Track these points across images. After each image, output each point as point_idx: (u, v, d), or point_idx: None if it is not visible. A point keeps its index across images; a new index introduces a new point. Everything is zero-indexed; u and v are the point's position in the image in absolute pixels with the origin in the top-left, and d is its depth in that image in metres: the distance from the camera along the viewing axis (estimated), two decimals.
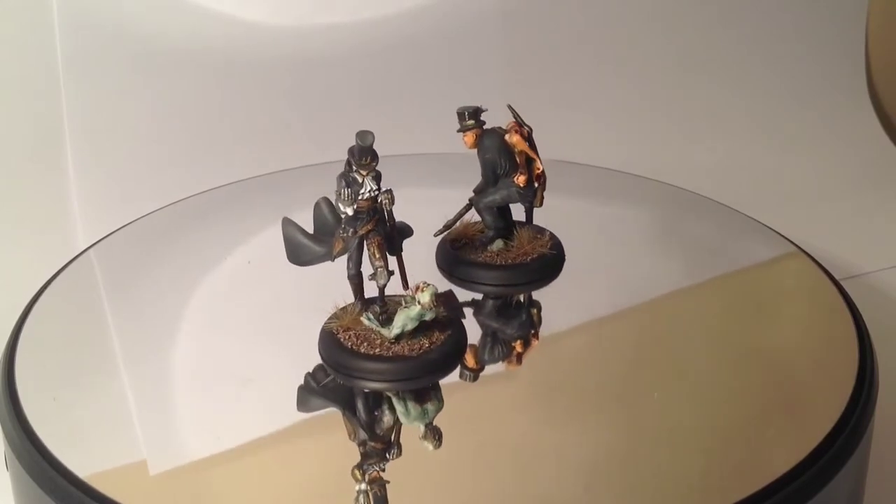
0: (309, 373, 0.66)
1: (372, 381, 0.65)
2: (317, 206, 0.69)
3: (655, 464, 0.60)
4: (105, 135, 1.17)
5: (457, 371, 0.66)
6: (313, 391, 0.65)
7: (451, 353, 0.66)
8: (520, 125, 0.75)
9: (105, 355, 0.71)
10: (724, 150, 1.36)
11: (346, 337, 0.66)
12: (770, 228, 0.89)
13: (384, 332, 0.65)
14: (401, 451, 0.59)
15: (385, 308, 0.67)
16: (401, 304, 0.66)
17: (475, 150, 0.75)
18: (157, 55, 1.19)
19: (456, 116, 0.75)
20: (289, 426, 0.63)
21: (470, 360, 0.68)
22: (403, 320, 0.64)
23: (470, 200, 0.77)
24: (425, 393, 0.64)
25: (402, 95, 1.27)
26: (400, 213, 0.66)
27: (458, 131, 0.75)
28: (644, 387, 0.67)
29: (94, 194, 1.15)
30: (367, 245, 0.66)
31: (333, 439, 0.62)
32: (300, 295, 0.78)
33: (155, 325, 0.75)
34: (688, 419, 0.64)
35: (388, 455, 0.59)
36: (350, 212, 0.64)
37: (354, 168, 0.65)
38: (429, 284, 0.64)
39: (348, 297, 0.68)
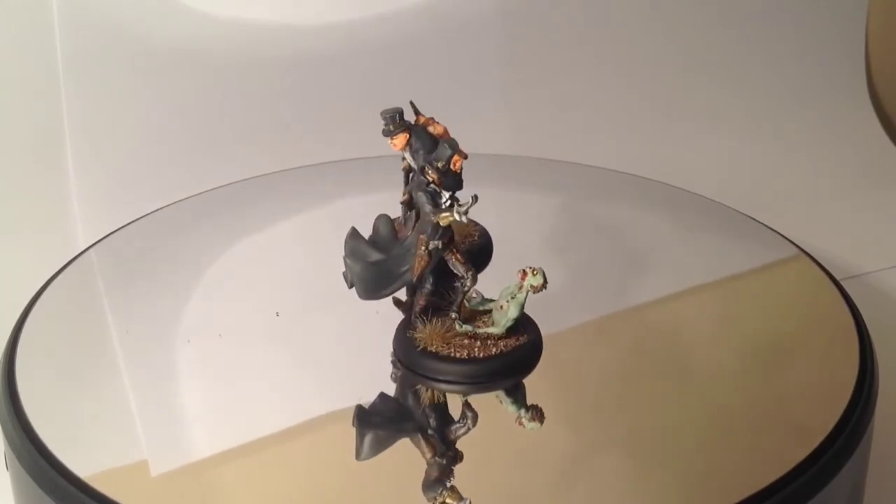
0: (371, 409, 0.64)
1: (479, 382, 0.65)
2: (378, 225, 0.67)
3: (656, 464, 0.60)
4: (105, 135, 1.17)
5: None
6: (373, 422, 0.63)
7: (537, 344, 0.67)
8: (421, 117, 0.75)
9: (105, 355, 0.71)
10: (724, 151, 1.36)
11: (446, 348, 0.66)
12: (770, 228, 0.89)
13: (493, 329, 0.65)
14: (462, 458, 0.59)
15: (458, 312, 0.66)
16: (474, 302, 0.66)
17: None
18: (157, 55, 1.19)
19: (391, 120, 0.72)
20: (289, 426, 0.63)
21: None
22: (515, 309, 0.64)
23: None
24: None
25: (402, 95, 1.27)
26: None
27: (390, 135, 0.74)
28: (644, 387, 0.67)
29: (94, 194, 1.15)
30: (448, 255, 0.65)
31: (334, 439, 0.62)
32: (300, 294, 0.79)
33: (155, 324, 0.75)
34: (688, 419, 0.64)
35: (454, 465, 0.59)
36: (445, 223, 0.63)
37: (431, 179, 0.64)
38: (537, 268, 0.64)
39: (347, 296, 0.68)
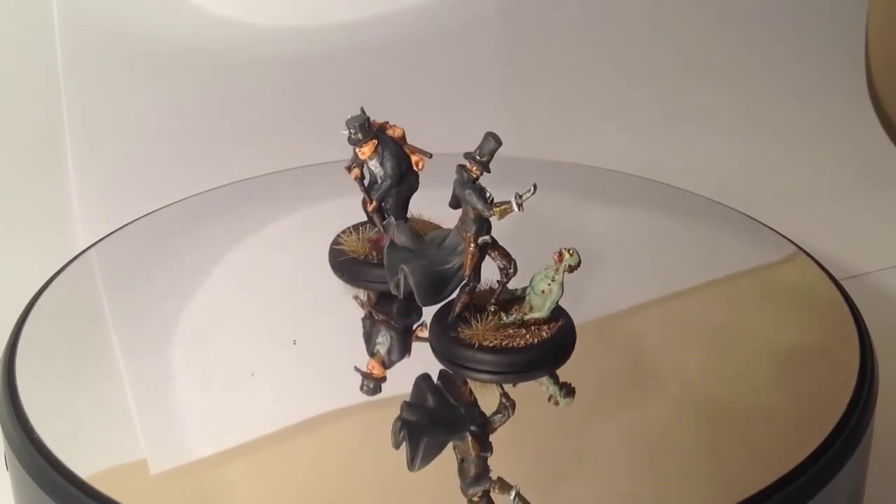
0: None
1: (530, 369, 0.66)
2: (399, 233, 0.67)
3: (656, 464, 0.60)
4: (105, 135, 1.17)
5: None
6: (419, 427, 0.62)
7: (571, 325, 0.69)
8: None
9: (105, 355, 0.71)
10: (725, 151, 1.36)
11: (502, 340, 0.66)
12: (770, 228, 0.89)
13: (537, 314, 0.67)
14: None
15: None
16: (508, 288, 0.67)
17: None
18: (157, 55, 1.19)
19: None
20: (289, 426, 0.63)
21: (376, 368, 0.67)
22: (559, 290, 0.66)
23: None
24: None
25: (402, 95, 1.27)
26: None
27: (358, 143, 0.74)
28: (643, 387, 0.67)
29: (94, 194, 1.15)
30: (491, 249, 0.66)
31: (334, 439, 0.62)
32: (300, 294, 0.79)
33: (154, 324, 0.75)
34: (687, 419, 0.64)
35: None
36: (504, 217, 0.63)
37: (476, 173, 0.64)
38: (572, 248, 0.65)
39: (346, 296, 0.68)
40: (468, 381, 0.66)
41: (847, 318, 0.73)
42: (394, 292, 0.67)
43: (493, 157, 0.64)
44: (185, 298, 0.78)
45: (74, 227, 1.13)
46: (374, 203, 0.77)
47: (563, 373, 0.67)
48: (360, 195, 0.77)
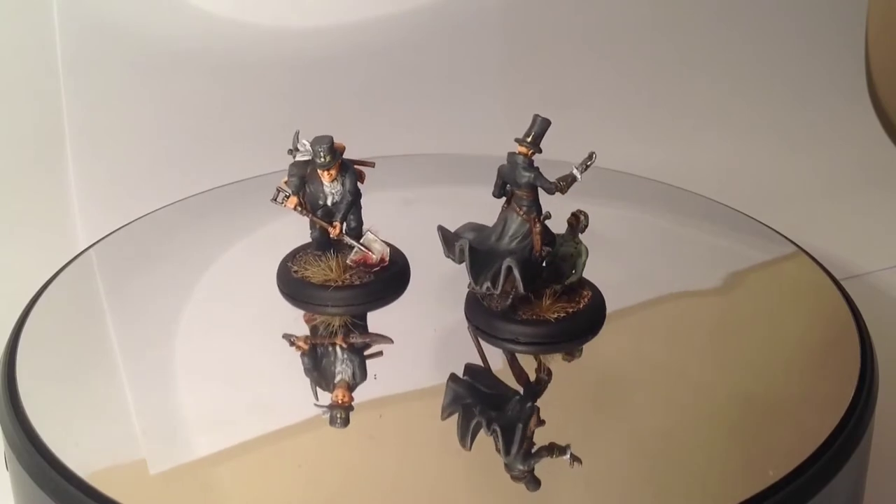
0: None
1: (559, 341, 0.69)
2: (466, 241, 0.67)
3: (656, 464, 0.60)
4: (105, 135, 1.18)
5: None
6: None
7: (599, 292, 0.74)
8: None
9: (105, 355, 0.71)
10: (725, 151, 1.36)
11: (559, 310, 0.70)
12: (770, 228, 0.89)
13: (573, 278, 0.70)
14: None
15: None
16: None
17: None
18: (157, 55, 1.19)
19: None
20: (289, 425, 0.63)
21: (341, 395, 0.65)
22: (585, 251, 0.70)
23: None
24: None
25: (402, 95, 1.27)
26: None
27: (328, 166, 0.71)
28: (642, 387, 0.67)
29: (94, 194, 1.15)
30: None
31: (333, 438, 0.62)
32: None
33: (155, 324, 0.75)
34: (687, 419, 0.64)
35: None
36: (562, 193, 0.66)
37: (529, 155, 0.65)
38: (582, 210, 0.69)
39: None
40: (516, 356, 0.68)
41: (847, 318, 0.73)
42: (494, 291, 0.67)
43: (543, 136, 0.65)
44: (185, 298, 0.78)
45: (74, 227, 1.13)
46: (340, 225, 0.74)
47: (567, 369, 0.67)
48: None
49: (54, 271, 0.81)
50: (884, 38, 1.52)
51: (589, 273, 0.72)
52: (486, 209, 0.69)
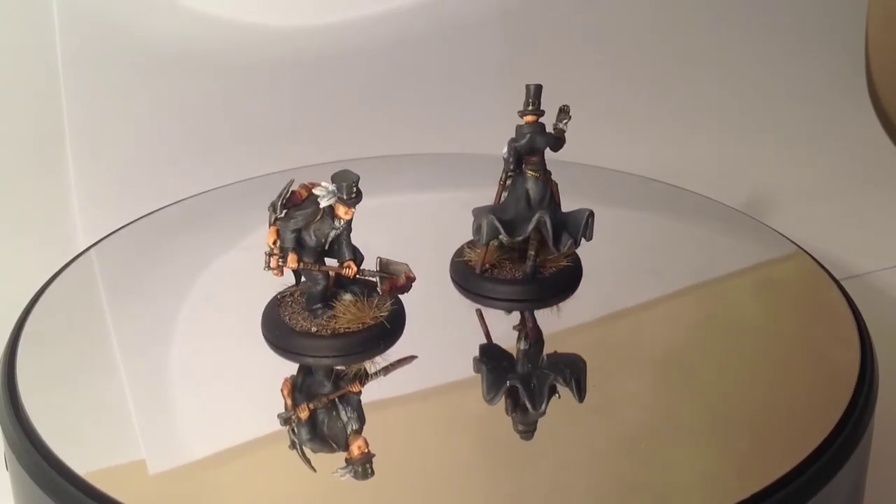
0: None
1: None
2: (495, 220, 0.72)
3: (656, 463, 0.60)
4: (105, 135, 1.18)
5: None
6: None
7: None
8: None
9: (105, 355, 0.71)
10: (725, 151, 1.36)
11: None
12: (770, 228, 0.89)
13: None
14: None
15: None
16: None
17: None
18: (156, 55, 1.19)
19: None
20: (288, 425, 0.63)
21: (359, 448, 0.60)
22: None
23: None
24: None
25: (402, 95, 1.27)
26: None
27: (358, 201, 0.66)
28: (642, 387, 0.67)
29: (94, 194, 1.15)
30: None
31: None
32: None
33: (154, 324, 0.75)
34: (688, 419, 0.64)
35: None
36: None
37: (534, 121, 0.73)
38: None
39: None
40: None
41: (847, 318, 0.73)
42: (529, 235, 0.73)
43: (540, 99, 0.74)
44: (185, 298, 0.78)
45: (74, 227, 1.13)
46: (354, 263, 0.68)
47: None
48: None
49: (54, 271, 0.81)
50: (884, 38, 1.53)
51: (589, 272, 0.72)
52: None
